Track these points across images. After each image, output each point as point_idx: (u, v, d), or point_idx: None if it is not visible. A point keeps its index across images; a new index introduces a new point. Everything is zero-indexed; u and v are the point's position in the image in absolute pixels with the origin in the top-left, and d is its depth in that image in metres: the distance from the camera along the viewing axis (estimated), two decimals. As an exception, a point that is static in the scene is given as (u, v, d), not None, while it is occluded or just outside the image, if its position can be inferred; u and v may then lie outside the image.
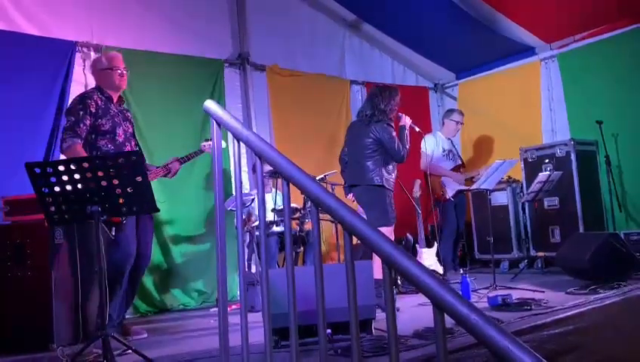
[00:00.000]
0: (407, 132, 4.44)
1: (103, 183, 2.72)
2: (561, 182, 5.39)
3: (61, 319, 3.38)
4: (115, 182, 2.72)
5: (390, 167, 4.34)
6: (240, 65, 5.91)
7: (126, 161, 2.72)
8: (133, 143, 3.70)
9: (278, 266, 5.10)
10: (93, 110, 3.48)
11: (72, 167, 2.68)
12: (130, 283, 3.64)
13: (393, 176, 4.36)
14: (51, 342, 3.29)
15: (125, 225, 3.41)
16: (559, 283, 4.51)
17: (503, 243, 5.99)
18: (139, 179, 2.75)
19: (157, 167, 3.91)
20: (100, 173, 2.70)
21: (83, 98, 3.55)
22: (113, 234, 3.41)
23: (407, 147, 4.36)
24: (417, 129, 4.58)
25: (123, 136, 3.60)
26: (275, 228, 5.04)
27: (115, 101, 3.68)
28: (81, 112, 3.46)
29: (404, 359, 2.37)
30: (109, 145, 3.53)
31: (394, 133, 4.32)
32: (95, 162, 2.71)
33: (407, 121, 4.49)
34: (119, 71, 3.64)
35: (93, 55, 4.73)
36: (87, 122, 3.46)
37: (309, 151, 5.91)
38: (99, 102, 3.54)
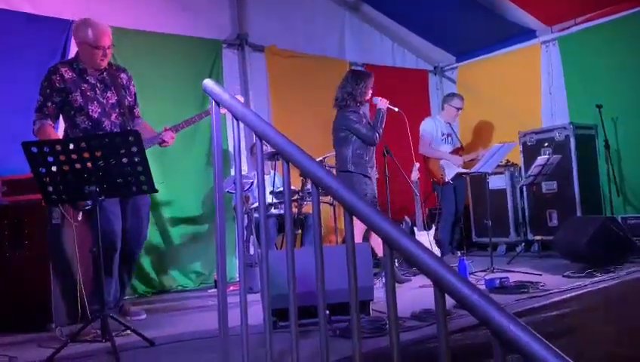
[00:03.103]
0: (384, 115, 4.41)
1: (101, 163, 2.71)
2: (560, 166, 5.39)
3: (59, 299, 3.38)
4: (113, 162, 2.70)
5: (359, 151, 4.32)
6: (238, 46, 5.87)
7: (124, 141, 2.70)
8: (114, 116, 3.51)
9: (277, 248, 5.11)
10: (59, 85, 3.36)
11: (70, 146, 2.67)
12: (124, 264, 3.60)
13: (364, 161, 4.33)
14: (50, 321, 3.29)
15: (103, 205, 3.27)
16: (556, 266, 4.53)
17: (501, 227, 6.01)
18: (137, 159, 2.74)
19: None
20: (98, 153, 2.68)
21: (48, 75, 3.41)
22: (79, 218, 3.37)
23: (379, 130, 4.35)
24: (396, 109, 4.51)
25: (99, 109, 3.44)
26: (273, 210, 5.04)
27: (92, 71, 3.48)
28: (48, 90, 3.37)
29: (401, 340, 2.38)
30: (86, 122, 3.42)
31: (354, 117, 4.33)
32: (92, 142, 2.69)
33: (383, 104, 4.45)
34: (103, 50, 3.40)
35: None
36: (56, 99, 3.37)
37: (307, 133, 5.87)
38: (66, 75, 3.39)
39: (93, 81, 3.49)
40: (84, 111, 3.41)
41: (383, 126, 4.41)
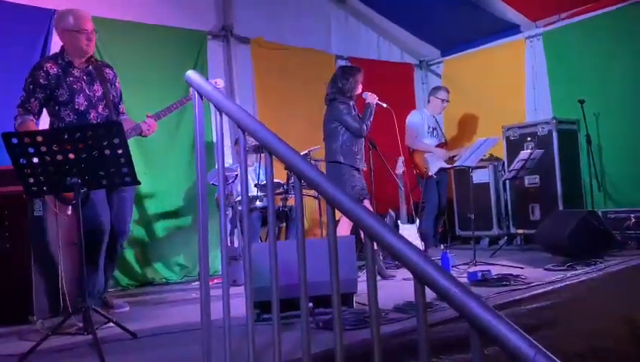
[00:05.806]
0: (372, 109, 4.48)
1: (83, 155, 2.68)
2: (542, 160, 5.44)
3: (41, 291, 3.35)
4: (95, 153, 2.67)
5: (348, 143, 4.37)
6: (224, 38, 5.83)
7: (106, 133, 2.68)
8: (100, 108, 3.48)
9: (261, 241, 5.11)
10: (43, 82, 3.32)
11: (51, 137, 2.64)
12: (107, 257, 3.57)
13: (353, 152, 4.38)
14: (31, 314, 3.26)
15: (91, 197, 3.28)
16: (538, 259, 4.58)
17: (484, 221, 6.06)
18: (120, 151, 2.72)
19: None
20: (80, 145, 2.65)
21: (32, 71, 3.36)
22: (69, 213, 3.33)
23: (367, 122, 4.42)
24: (385, 105, 4.58)
25: (86, 103, 3.41)
26: (258, 203, 5.03)
27: (78, 64, 3.44)
28: (31, 86, 3.33)
29: (383, 332, 2.40)
30: (72, 115, 3.38)
31: (344, 108, 4.40)
32: (74, 133, 2.66)
33: (372, 99, 4.52)
34: (87, 34, 3.35)
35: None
36: (40, 95, 3.33)
37: (292, 126, 5.86)
38: (51, 71, 3.34)
39: (78, 74, 3.45)
40: (70, 105, 3.38)
41: (371, 119, 4.46)
